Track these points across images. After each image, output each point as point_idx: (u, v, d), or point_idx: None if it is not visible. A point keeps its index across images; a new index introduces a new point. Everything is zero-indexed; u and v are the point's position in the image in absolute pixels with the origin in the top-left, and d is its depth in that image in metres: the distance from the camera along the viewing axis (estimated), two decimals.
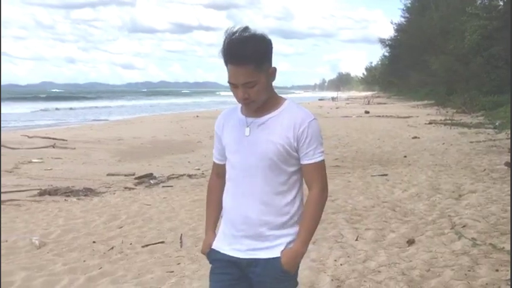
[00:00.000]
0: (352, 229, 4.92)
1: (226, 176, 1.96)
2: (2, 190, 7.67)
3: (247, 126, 1.87)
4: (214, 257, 1.96)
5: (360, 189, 6.94)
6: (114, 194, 7.53)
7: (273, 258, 1.85)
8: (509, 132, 10.87)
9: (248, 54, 1.73)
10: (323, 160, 1.88)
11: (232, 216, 1.91)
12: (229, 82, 1.79)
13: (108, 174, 9.30)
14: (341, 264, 3.92)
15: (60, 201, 7.02)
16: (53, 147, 13.37)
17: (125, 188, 8.06)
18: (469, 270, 3.70)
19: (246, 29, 1.77)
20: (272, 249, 1.86)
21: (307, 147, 1.84)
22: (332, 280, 3.59)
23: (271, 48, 1.82)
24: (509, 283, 3.38)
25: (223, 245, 1.93)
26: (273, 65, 1.83)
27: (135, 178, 8.86)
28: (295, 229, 1.88)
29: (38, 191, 7.62)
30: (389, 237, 4.66)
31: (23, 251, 4.44)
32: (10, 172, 9.49)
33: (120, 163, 11.21)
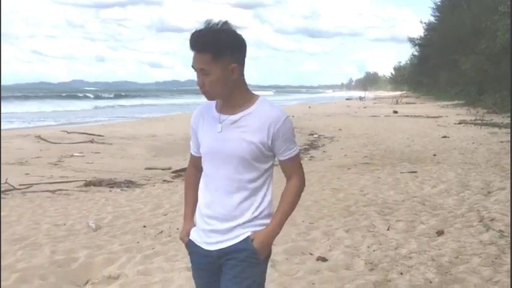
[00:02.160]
0: (383, 220, 5.19)
1: (203, 171, 2.01)
2: (50, 181, 8.24)
3: (220, 123, 1.90)
4: (192, 249, 2.00)
5: (389, 185, 7.18)
6: (154, 186, 7.96)
7: (243, 240, 1.88)
8: None
9: (206, 42, 1.78)
10: (298, 153, 1.97)
11: (204, 211, 1.94)
12: (192, 67, 1.85)
13: (146, 168, 9.78)
14: (374, 251, 4.21)
15: (105, 191, 7.50)
16: (91, 142, 13.99)
17: (163, 180, 8.49)
18: (495, 258, 3.94)
19: (225, 23, 1.82)
20: (241, 236, 1.89)
21: (283, 145, 1.88)
22: (366, 264, 3.89)
23: (237, 45, 1.84)
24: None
25: (197, 237, 1.98)
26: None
27: (172, 172, 9.29)
28: (265, 221, 1.92)
29: (84, 182, 8.13)
30: (420, 228, 4.91)
31: (81, 233, 4.89)
32: (55, 165, 10.08)
33: (156, 158, 11.70)
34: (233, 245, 1.89)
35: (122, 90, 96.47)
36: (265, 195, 1.92)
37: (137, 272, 3.72)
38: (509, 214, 5.21)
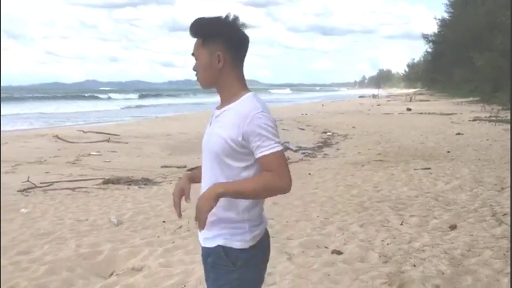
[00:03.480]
0: (397, 215, 5.29)
1: None
2: (69, 179, 8.46)
3: (211, 117, 1.92)
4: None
5: (403, 181, 7.26)
6: (171, 183, 8.13)
7: (214, 247, 1.84)
8: None
9: (198, 27, 1.84)
10: (277, 151, 1.75)
11: None
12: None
13: (162, 166, 9.96)
14: (387, 244, 4.32)
15: (124, 189, 7.68)
16: (108, 141, 14.24)
17: (179, 178, 8.63)
18: (507, 251, 4.02)
19: (236, 18, 1.85)
20: (215, 239, 1.85)
21: (255, 141, 1.75)
22: (380, 256, 4.00)
23: (231, 35, 1.83)
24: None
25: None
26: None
27: (187, 170, 9.47)
28: (240, 225, 1.84)
29: (102, 180, 8.33)
30: (433, 222, 5.00)
31: (103, 228, 5.07)
32: (73, 163, 10.31)
33: (171, 156, 11.88)
34: (208, 247, 1.88)
35: (135, 90, 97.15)
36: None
37: (159, 264, 3.89)
38: None
